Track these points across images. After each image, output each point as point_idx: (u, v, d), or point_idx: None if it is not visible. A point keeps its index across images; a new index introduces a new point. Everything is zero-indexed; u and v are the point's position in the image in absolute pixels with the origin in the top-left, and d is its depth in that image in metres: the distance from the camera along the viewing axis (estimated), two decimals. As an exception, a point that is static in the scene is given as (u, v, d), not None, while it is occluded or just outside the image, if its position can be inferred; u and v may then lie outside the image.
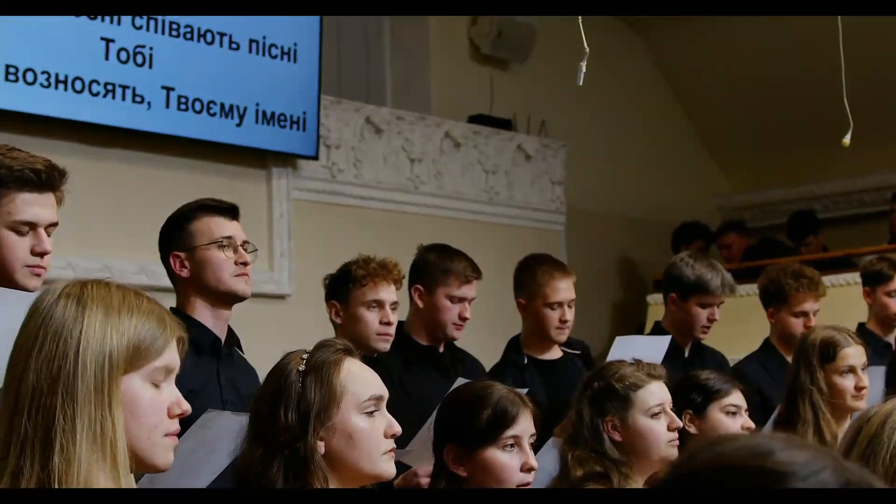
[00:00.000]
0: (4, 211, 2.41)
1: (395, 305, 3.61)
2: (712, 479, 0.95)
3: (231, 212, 3.01)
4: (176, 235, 2.96)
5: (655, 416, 2.97)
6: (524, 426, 2.59)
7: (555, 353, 4.09)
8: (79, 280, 1.69)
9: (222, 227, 2.95)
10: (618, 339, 3.75)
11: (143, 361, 1.64)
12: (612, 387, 2.98)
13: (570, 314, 3.99)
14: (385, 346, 3.58)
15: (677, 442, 3.00)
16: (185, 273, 2.92)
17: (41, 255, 2.45)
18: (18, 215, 2.42)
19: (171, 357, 1.68)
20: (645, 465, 2.96)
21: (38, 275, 2.44)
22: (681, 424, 3.03)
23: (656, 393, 2.99)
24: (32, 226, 2.44)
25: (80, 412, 1.57)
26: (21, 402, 1.59)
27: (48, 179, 2.45)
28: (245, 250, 2.96)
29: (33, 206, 2.43)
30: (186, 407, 1.70)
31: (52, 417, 1.57)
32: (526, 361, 4.01)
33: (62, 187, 2.49)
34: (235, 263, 2.92)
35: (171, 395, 1.68)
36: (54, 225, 2.49)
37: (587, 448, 2.93)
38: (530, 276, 4.03)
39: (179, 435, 1.73)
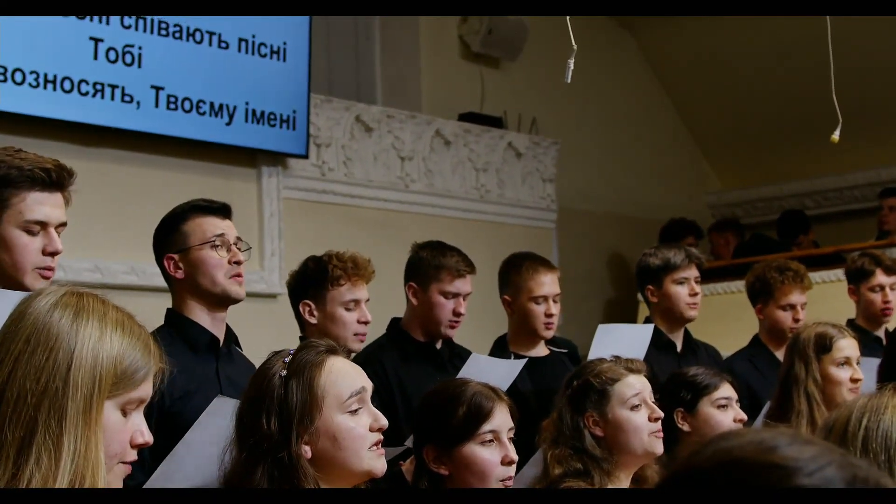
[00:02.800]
0: (16, 211, 2.43)
1: (367, 302, 3.61)
2: (718, 474, 0.94)
3: (223, 211, 3.01)
4: (168, 237, 2.96)
5: (635, 408, 2.97)
6: (501, 420, 2.58)
7: (541, 351, 4.09)
8: (76, 290, 1.67)
9: (214, 226, 2.95)
10: (600, 326, 3.75)
11: (121, 391, 1.62)
12: (589, 383, 2.99)
13: (555, 308, 4.01)
14: (360, 346, 3.58)
15: (661, 433, 2.99)
16: (179, 275, 2.92)
17: (52, 254, 2.46)
18: (30, 215, 2.43)
19: (147, 389, 1.67)
20: (629, 460, 2.95)
21: (47, 277, 2.46)
22: (662, 415, 3.02)
23: (634, 385, 2.99)
24: (43, 225, 2.46)
25: (67, 431, 1.55)
26: (4, 407, 1.56)
27: (58, 179, 2.46)
28: (239, 249, 2.96)
29: (44, 205, 2.45)
30: (149, 438, 1.68)
31: (34, 431, 1.55)
32: (512, 359, 4.01)
33: (69, 187, 2.50)
34: (229, 263, 2.92)
35: (137, 424, 1.67)
36: (63, 225, 2.51)
37: (567, 446, 2.92)
38: (515, 272, 4.06)
39: (168, 445, 1.71)
